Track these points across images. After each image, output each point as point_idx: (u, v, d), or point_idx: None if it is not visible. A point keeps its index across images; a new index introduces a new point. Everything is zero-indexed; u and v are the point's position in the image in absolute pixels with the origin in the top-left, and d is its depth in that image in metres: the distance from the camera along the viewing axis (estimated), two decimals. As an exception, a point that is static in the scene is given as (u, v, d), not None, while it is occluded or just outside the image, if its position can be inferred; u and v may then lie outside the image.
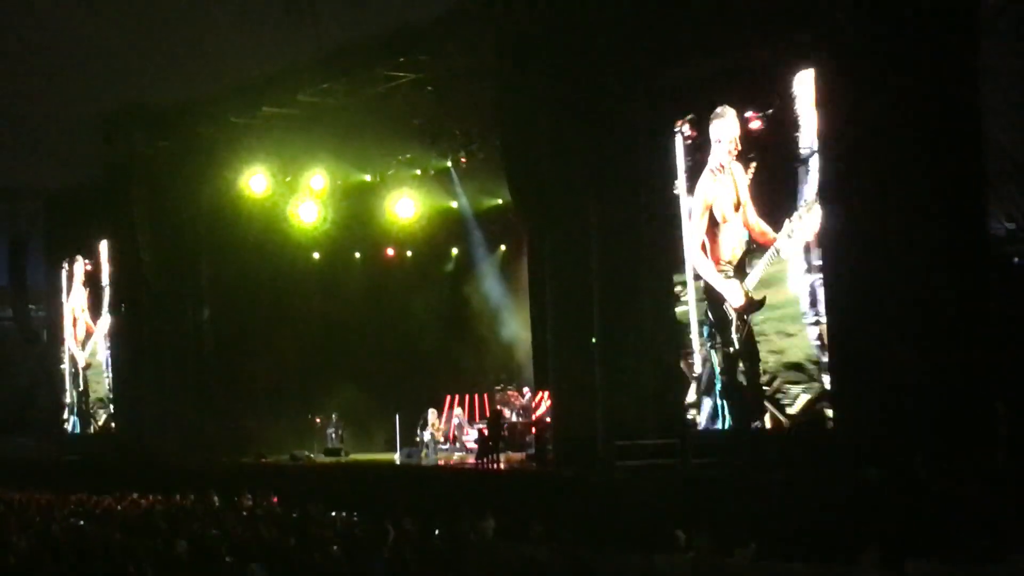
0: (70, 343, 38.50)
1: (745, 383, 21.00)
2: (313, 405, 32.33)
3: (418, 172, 31.92)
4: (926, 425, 17.40)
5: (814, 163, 19.62)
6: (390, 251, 34.66)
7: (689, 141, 21.93)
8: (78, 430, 37.99)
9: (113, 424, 35.73)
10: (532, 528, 19.36)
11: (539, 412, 26.47)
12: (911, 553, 14.24)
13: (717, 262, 21.44)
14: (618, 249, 22.34)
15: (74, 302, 38.35)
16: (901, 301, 17.98)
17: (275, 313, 33.83)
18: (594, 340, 22.22)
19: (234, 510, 22.01)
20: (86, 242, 37.41)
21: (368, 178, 32.80)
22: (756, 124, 20.77)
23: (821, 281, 19.51)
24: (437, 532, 17.70)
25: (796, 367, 20.12)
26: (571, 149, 22.70)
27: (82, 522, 21.23)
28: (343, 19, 28.19)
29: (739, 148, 21.03)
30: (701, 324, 21.79)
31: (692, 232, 21.89)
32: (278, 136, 30.97)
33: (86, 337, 37.79)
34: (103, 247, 36.35)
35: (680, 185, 22.07)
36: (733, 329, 21.18)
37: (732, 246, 21.24)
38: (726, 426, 21.34)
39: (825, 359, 19.47)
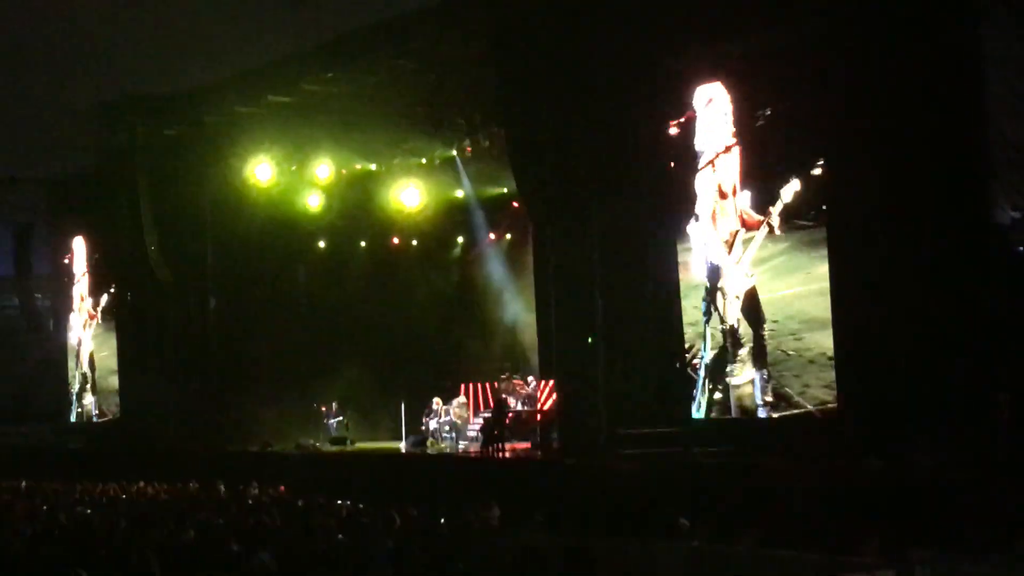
0: (75, 331, 38.55)
1: (746, 365, 21.01)
2: (319, 394, 32.36)
3: (423, 161, 31.93)
4: (929, 414, 17.44)
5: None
6: (395, 240, 34.67)
7: (691, 126, 21.89)
8: (83, 419, 38.05)
9: (118, 412, 35.78)
10: (534, 516, 19.47)
11: (543, 401, 26.50)
12: (913, 542, 14.28)
13: (718, 243, 21.44)
14: (621, 239, 22.35)
15: (79, 290, 38.40)
16: (905, 290, 18.00)
17: (280, 302, 33.89)
18: (590, 340, 22.26)
19: (240, 499, 22.07)
20: (91, 230, 37.45)
21: (373, 167, 32.83)
22: (757, 111, 20.78)
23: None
24: (442, 520, 17.75)
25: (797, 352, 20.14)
26: (574, 139, 22.73)
27: (88, 510, 21.30)
28: (345, 7, 28.21)
29: (737, 133, 21.03)
30: (705, 312, 21.82)
31: (697, 214, 21.86)
32: (283, 125, 30.98)
33: (91, 325, 37.84)
34: (108, 236, 36.34)
35: (684, 170, 22.05)
36: (730, 314, 21.21)
37: (730, 228, 21.24)
38: (729, 414, 21.35)
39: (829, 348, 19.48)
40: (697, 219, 21.84)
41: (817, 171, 19.55)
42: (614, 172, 22.46)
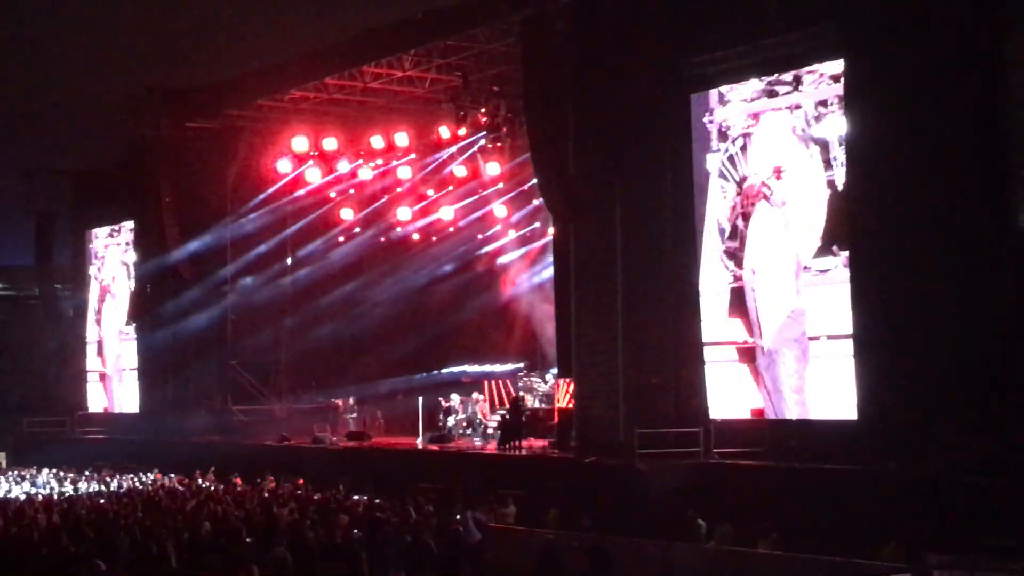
0: (95, 322, 38.61)
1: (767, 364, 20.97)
2: (336, 388, 32.40)
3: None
4: (948, 418, 17.36)
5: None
6: (415, 234, 34.67)
7: (716, 125, 21.83)
8: (101, 409, 38.12)
9: (137, 404, 35.83)
10: (548, 514, 19.47)
11: (562, 399, 26.43)
12: (931, 546, 14.24)
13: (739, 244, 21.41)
14: (643, 241, 22.29)
15: (100, 281, 38.46)
16: (925, 293, 17.93)
17: (299, 294, 33.99)
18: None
19: (257, 492, 22.10)
20: (112, 222, 37.51)
21: (395, 161, 32.80)
22: (776, 111, 20.74)
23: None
24: (458, 517, 17.75)
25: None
26: (597, 137, 22.69)
27: (104, 501, 21.38)
28: (370, 2, 28.26)
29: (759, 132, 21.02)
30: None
31: (719, 214, 21.81)
32: (305, 119, 31.01)
33: (112, 316, 37.89)
34: (129, 227, 36.42)
35: (709, 171, 21.97)
36: (751, 315, 21.17)
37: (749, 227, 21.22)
38: (748, 416, 21.27)
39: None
40: (719, 220, 21.76)
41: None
42: (637, 169, 22.39)
